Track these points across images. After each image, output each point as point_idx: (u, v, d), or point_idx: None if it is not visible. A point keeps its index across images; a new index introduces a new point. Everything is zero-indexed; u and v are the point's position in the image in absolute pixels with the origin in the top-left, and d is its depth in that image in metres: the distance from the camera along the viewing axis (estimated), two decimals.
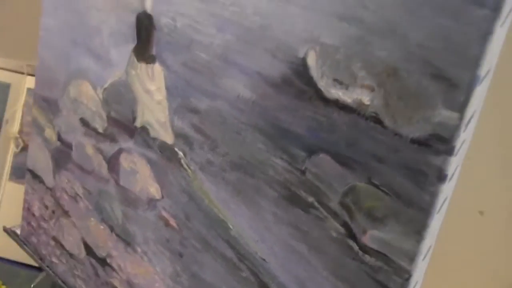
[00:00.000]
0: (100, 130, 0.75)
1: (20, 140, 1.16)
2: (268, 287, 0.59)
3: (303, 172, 0.54)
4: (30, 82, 1.15)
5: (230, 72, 0.58)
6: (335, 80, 0.50)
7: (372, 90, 0.48)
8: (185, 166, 0.65)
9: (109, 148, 0.75)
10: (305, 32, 0.52)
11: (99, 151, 0.76)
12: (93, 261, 0.82)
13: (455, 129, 0.44)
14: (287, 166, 0.55)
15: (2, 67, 1.16)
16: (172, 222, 0.68)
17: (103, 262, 0.81)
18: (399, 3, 0.45)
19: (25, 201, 0.96)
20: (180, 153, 0.65)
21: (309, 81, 0.52)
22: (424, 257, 0.49)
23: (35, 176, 0.92)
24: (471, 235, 0.95)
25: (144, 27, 0.66)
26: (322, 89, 0.51)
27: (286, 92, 0.54)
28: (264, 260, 0.59)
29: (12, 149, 1.17)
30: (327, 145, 0.52)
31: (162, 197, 0.69)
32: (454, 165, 0.46)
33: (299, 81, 0.53)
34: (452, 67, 0.43)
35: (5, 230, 1.01)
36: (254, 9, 0.55)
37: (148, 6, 0.65)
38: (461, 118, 0.44)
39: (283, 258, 0.58)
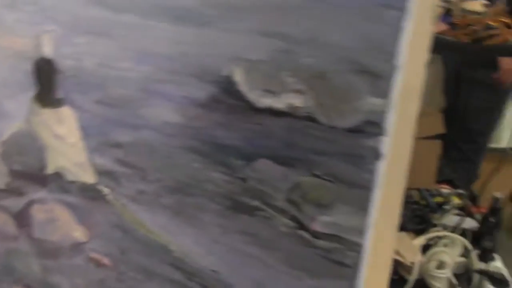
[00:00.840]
0: (2, 187, 0.72)
1: None
2: None
3: (244, 180, 0.59)
4: None
5: (152, 101, 0.61)
6: (265, 90, 0.56)
7: (303, 93, 0.55)
8: (113, 202, 0.66)
9: (15, 203, 0.72)
10: (228, 52, 0.56)
11: (3, 208, 0.73)
12: None
13: (383, 113, 0.52)
14: (227, 178, 0.59)
15: None
16: (105, 261, 0.68)
17: None
18: (318, 15, 0.52)
19: None
20: (106, 190, 0.66)
21: (238, 95, 0.57)
22: (371, 230, 0.56)
23: None
24: None
25: (45, 72, 0.66)
26: (252, 100, 0.57)
27: (216, 109, 0.58)
28: (215, 271, 0.62)
29: None
30: (265, 150, 0.57)
31: (90, 239, 0.68)
32: (387, 144, 0.54)
33: (228, 97, 0.58)
34: (373, 62, 0.51)
35: None
36: (171, 38, 0.59)
37: (47, 51, 0.65)
38: (387, 103, 0.52)
39: (236, 264, 0.61)
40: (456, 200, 1.72)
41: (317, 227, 0.57)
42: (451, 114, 1.78)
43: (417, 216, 1.59)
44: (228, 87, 0.57)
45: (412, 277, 1.39)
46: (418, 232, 1.51)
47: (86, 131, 0.65)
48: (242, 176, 0.58)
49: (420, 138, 1.58)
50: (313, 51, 0.53)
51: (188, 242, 0.63)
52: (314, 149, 0.55)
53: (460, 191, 1.79)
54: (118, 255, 0.67)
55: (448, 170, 1.71)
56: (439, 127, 1.51)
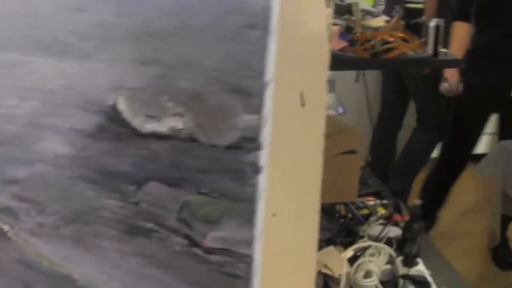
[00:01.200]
0: None
1: None
2: None
3: (136, 204, 0.61)
4: None
5: (43, 135, 0.63)
6: (147, 116, 0.58)
7: (182, 116, 0.57)
8: (14, 238, 0.67)
9: None
10: (110, 82, 0.59)
11: None
12: None
13: (258, 128, 0.55)
14: (120, 204, 0.61)
15: None
16: None
17: None
18: (189, 40, 0.56)
19: None
20: (5, 227, 0.66)
21: (124, 123, 0.59)
22: (259, 241, 0.59)
23: None
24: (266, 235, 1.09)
25: None
26: (137, 126, 0.59)
27: (104, 138, 0.60)
28: None
29: None
30: (154, 173, 0.60)
31: None
32: (264, 158, 0.57)
33: (114, 126, 0.60)
34: (244, 80, 0.55)
35: None
36: (54, 72, 0.61)
37: None
38: (260, 118, 0.55)
39: (136, 287, 0.63)
40: (381, 211, 1.78)
41: (208, 243, 0.59)
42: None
43: (344, 229, 1.64)
44: (113, 116, 0.60)
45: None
46: (347, 245, 1.55)
47: None
48: (134, 201, 0.61)
49: (340, 154, 1.63)
50: (187, 74, 0.56)
51: (91, 270, 0.64)
52: (198, 168, 0.58)
53: (385, 201, 1.85)
54: None
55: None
56: (358, 143, 1.56)
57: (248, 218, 0.58)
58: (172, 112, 0.58)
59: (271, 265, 1.30)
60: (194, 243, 0.60)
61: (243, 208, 0.57)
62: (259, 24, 0.53)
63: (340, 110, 1.83)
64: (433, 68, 1.44)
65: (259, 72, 0.54)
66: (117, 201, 0.61)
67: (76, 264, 0.65)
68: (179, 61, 0.56)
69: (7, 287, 0.68)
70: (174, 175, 0.59)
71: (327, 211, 1.65)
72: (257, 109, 0.55)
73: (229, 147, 0.56)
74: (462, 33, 1.90)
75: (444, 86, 2.02)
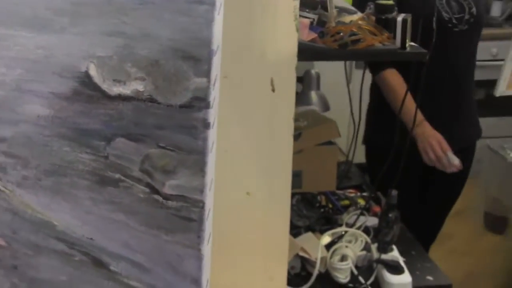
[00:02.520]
0: None
1: None
2: (100, 260, 0.74)
3: (106, 157, 0.70)
4: None
5: (26, 99, 0.72)
6: (114, 80, 0.68)
7: (144, 79, 0.67)
8: (2, 189, 0.76)
9: None
10: (82, 52, 0.69)
11: None
12: None
13: (207, 89, 0.65)
14: (92, 157, 0.71)
15: None
16: (0, 242, 0.78)
17: None
18: (148, 14, 0.66)
19: None
20: None
21: (95, 87, 0.69)
22: (210, 188, 0.69)
23: None
24: (240, 213, 1.17)
25: None
26: (106, 89, 0.69)
27: (78, 100, 0.70)
28: (91, 239, 0.73)
29: None
30: (120, 130, 0.69)
31: None
32: (212, 115, 0.66)
33: (86, 89, 0.70)
34: (194, 48, 0.64)
35: None
36: (36, 44, 0.71)
37: None
38: (209, 81, 0.65)
39: (107, 230, 0.73)
40: (361, 202, 1.87)
41: (166, 190, 0.69)
42: None
43: (324, 218, 1.73)
44: (86, 81, 0.69)
45: (316, 270, 1.52)
46: (325, 232, 1.64)
47: None
48: (104, 155, 0.70)
49: (319, 145, 1.72)
50: (146, 44, 0.66)
51: (67, 217, 0.74)
52: (157, 125, 0.68)
53: (365, 193, 1.94)
54: (10, 235, 0.78)
55: None
56: (335, 133, 1.65)
57: (200, 168, 0.67)
58: (134, 76, 0.67)
59: (245, 242, 1.39)
60: (155, 191, 0.69)
61: (195, 159, 0.67)
62: (206, 0, 0.63)
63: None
64: (400, 60, 1.48)
65: (207, 42, 0.64)
66: (89, 155, 0.71)
67: (55, 212, 0.74)
68: (140, 33, 0.66)
69: None
70: (137, 132, 0.69)
71: (308, 201, 1.75)
72: (206, 73, 0.65)
73: (183, 106, 0.66)
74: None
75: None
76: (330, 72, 2.32)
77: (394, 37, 1.24)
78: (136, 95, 0.68)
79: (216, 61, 0.65)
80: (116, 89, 0.68)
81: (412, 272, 1.54)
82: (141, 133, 0.68)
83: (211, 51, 0.64)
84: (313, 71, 2.08)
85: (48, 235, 0.76)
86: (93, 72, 0.69)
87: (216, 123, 0.68)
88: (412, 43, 1.30)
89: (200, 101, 0.65)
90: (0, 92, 0.73)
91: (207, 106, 0.66)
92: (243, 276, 1.28)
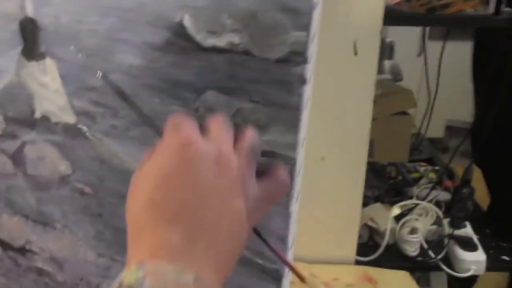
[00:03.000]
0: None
1: None
2: None
3: (196, 110, 0.69)
4: None
5: (119, 48, 0.72)
6: (209, 31, 0.67)
7: (239, 32, 0.65)
8: (90, 137, 0.77)
9: (10, 146, 0.83)
10: (178, 1, 0.67)
11: (1, 151, 0.84)
12: (11, 253, 0.89)
13: (305, 43, 0.63)
14: (182, 109, 0.70)
15: None
16: (87, 189, 0.79)
17: (21, 250, 0.88)
18: None
19: None
20: (84, 128, 0.77)
21: (188, 38, 0.68)
22: (302, 145, 0.67)
23: None
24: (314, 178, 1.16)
25: (29, 30, 0.77)
26: (200, 41, 0.67)
27: (170, 51, 0.69)
28: None
29: None
30: (212, 83, 0.68)
31: (74, 171, 0.79)
32: (310, 70, 0.64)
33: (180, 40, 0.68)
34: (295, 1, 0.62)
35: None
36: None
37: (30, 12, 0.76)
38: (308, 35, 0.63)
39: None
40: (432, 176, 1.82)
41: None
42: None
43: (393, 189, 1.70)
44: (179, 31, 0.68)
45: (384, 241, 1.49)
46: (394, 204, 1.61)
47: (65, 78, 0.76)
48: (194, 107, 0.69)
49: (393, 115, 1.68)
50: None
51: None
52: (251, 79, 0.66)
53: (437, 167, 1.88)
54: (97, 184, 0.78)
55: None
56: (411, 103, 1.61)
57: (293, 124, 0.65)
58: (230, 28, 0.66)
59: (317, 207, 1.38)
60: None
61: (289, 115, 0.65)
62: None
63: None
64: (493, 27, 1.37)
65: None
66: (179, 107, 0.70)
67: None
68: None
69: (85, 179, 0.79)
70: (229, 85, 0.67)
71: (378, 171, 1.72)
72: (305, 27, 0.62)
73: (279, 60, 0.64)
74: None
75: None
76: (403, 41, 2.26)
77: (487, 3, 1.18)
78: (231, 47, 0.66)
79: (316, 14, 0.63)
80: (210, 41, 0.67)
81: (486, 251, 1.49)
82: (233, 87, 0.67)
83: (312, 3, 0.62)
84: (387, 40, 2.02)
85: None
86: (187, 22, 0.68)
87: (312, 79, 0.66)
88: (508, 9, 1.23)
89: (298, 56, 0.63)
90: (93, 41, 0.73)
91: (305, 61, 0.63)
92: (313, 241, 1.27)
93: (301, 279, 0.63)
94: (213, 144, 0.56)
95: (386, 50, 1.95)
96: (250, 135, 0.60)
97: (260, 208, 0.59)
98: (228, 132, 0.59)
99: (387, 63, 1.95)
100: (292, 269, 0.65)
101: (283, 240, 0.68)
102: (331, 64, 1.03)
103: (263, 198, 0.59)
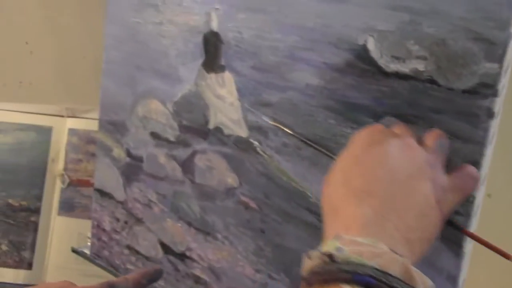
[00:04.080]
0: (172, 139, 0.88)
1: (65, 177, 1.26)
2: None
3: None
4: (70, 123, 1.27)
5: (297, 66, 0.72)
6: (393, 56, 0.65)
7: (425, 59, 0.63)
8: (261, 153, 0.78)
9: (182, 153, 0.87)
10: (363, 24, 0.66)
11: (172, 157, 0.89)
12: (171, 257, 0.93)
13: (497, 76, 0.59)
14: None
15: (43, 113, 1.28)
16: (252, 204, 0.81)
17: (182, 256, 0.92)
18: None
19: (93, 219, 1.06)
20: (256, 143, 0.78)
21: (371, 61, 0.67)
22: (482, 183, 0.63)
23: (104, 194, 1.03)
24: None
25: (212, 43, 0.80)
26: (382, 65, 0.66)
27: (350, 73, 0.68)
28: None
29: (58, 185, 1.27)
30: (391, 109, 0.66)
31: (240, 184, 0.81)
32: (498, 104, 0.60)
33: (361, 63, 0.67)
34: (489, 30, 0.59)
35: (74, 250, 1.11)
36: (315, 12, 0.70)
37: (214, 26, 0.79)
38: (501, 67, 0.59)
39: None
40: None
41: None
42: None
43: None
44: (361, 54, 0.67)
45: None
46: None
47: (241, 92, 0.78)
48: None
49: None
50: (434, 21, 0.62)
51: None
52: (433, 108, 0.63)
53: None
54: (262, 199, 0.80)
55: None
56: None
57: (475, 159, 0.62)
58: (416, 54, 0.63)
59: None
60: None
61: (472, 149, 0.62)
62: None
63: None
64: None
65: (505, 24, 0.58)
66: (354, 130, 0.69)
67: (311, 183, 0.74)
68: (429, 9, 0.62)
69: (250, 193, 0.81)
70: (409, 113, 0.65)
71: None
72: (499, 58, 0.59)
73: (466, 91, 0.61)
74: None
75: None
76: None
77: None
78: (415, 74, 0.64)
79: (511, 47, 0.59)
80: (393, 66, 0.65)
81: None
82: (414, 114, 0.65)
83: (508, 34, 0.58)
84: None
85: (299, 205, 0.76)
86: (371, 46, 0.66)
87: (500, 113, 0.62)
88: None
89: (487, 88, 0.60)
90: (272, 58, 0.74)
91: (495, 94, 0.60)
92: (483, 283, 1.20)
93: (507, 257, 0.61)
94: (399, 135, 0.60)
95: None
96: (436, 132, 0.63)
97: (449, 200, 0.60)
98: (411, 131, 0.63)
99: None
100: (496, 249, 0.62)
101: (454, 279, 0.65)
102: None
103: (452, 189, 0.60)
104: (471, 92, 0.61)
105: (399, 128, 0.63)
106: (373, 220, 0.52)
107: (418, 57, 0.64)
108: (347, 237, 0.50)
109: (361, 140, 0.60)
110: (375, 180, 0.55)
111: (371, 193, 0.54)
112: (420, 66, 0.63)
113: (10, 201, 1.27)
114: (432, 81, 0.63)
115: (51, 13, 1.15)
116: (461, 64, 0.61)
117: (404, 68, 0.65)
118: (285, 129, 0.73)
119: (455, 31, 0.61)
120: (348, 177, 0.57)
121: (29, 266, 1.27)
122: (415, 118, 0.65)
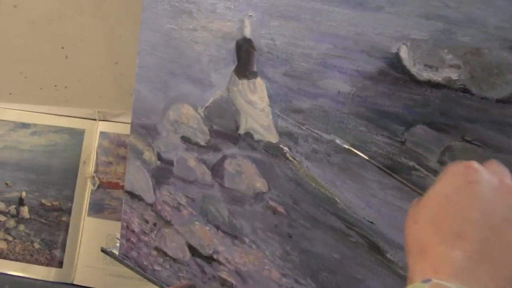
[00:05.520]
0: (203, 143, 0.89)
1: (96, 179, 1.28)
2: (377, 245, 0.72)
3: (403, 143, 0.68)
4: (102, 126, 1.29)
5: (329, 74, 0.73)
6: (426, 65, 0.65)
7: (459, 68, 0.63)
8: (290, 158, 0.79)
9: (212, 157, 0.88)
10: (396, 32, 0.67)
11: (202, 161, 0.90)
12: (199, 260, 0.94)
13: None
14: (388, 141, 0.69)
15: (76, 116, 1.30)
16: (280, 208, 0.81)
17: (209, 259, 0.92)
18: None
19: (123, 220, 1.08)
20: (285, 149, 0.79)
21: (403, 70, 0.67)
22: None
23: (134, 196, 1.05)
24: None
25: (244, 50, 0.81)
26: (415, 74, 0.66)
27: (382, 81, 0.68)
28: (372, 222, 0.72)
29: (89, 187, 1.29)
30: (423, 117, 0.66)
31: (269, 189, 0.82)
32: None
33: (394, 71, 0.68)
34: None
35: (103, 250, 1.12)
36: (348, 20, 0.70)
37: (248, 33, 0.80)
38: None
39: (390, 217, 0.71)
40: None
41: None
42: None
43: None
44: (394, 63, 0.67)
45: None
46: None
47: (273, 99, 0.79)
48: (401, 140, 0.68)
49: None
50: (469, 30, 0.62)
51: (351, 196, 0.74)
52: (466, 117, 0.63)
53: None
54: (291, 205, 0.80)
55: None
56: None
57: (509, 169, 0.62)
58: (449, 63, 0.63)
59: None
60: None
61: (505, 158, 0.61)
62: None
63: None
64: None
65: None
66: (385, 138, 0.69)
67: (340, 189, 0.74)
68: (464, 18, 0.62)
69: (279, 198, 0.81)
70: (441, 121, 0.65)
71: None
72: None
73: (500, 101, 0.61)
74: None
75: None
76: None
77: None
78: (448, 83, 0.64)
79: None
80: (426, 75, 0.65)
81: None
82: (446, 123, 0.65)
83: None
84: None
85: (327, 211, 0.76)
86: (404, 54, 0.67)
87: None
88: None
89: None
90: (304, 65, 0.75)
91: None
92: None
93: None
94: (495, 175, 0.56)
95: None
96: None
97: None
98: (506, 170, 0.58)
99: None
100: None
101: None
102: None
103: None
104: (505, 101, 0.61)
105: (494, 166, 0.58)
106: (465, 265, 0.49)
107: (451, 66, 0.64)
108: (436, 281, 0.47)
109: (453, 177, 0.56)
110: (467, 222, 0.51)
111: (462, 236, 0.50)
112: (453, 75, 0.64)
113: (43, 201, 1.30)
114: (465, 90, 0.63)
115: (86, 20, 1.17)
116: (495, 74, 0.61)
117: (437, 76, 0.65)
118: (362, 154, 0.72)
119: (490, 40, 0.61)
120: (438, 216, 0.53)
121: (60, 264, 1.29)
122: (447, 127, 0.65)
